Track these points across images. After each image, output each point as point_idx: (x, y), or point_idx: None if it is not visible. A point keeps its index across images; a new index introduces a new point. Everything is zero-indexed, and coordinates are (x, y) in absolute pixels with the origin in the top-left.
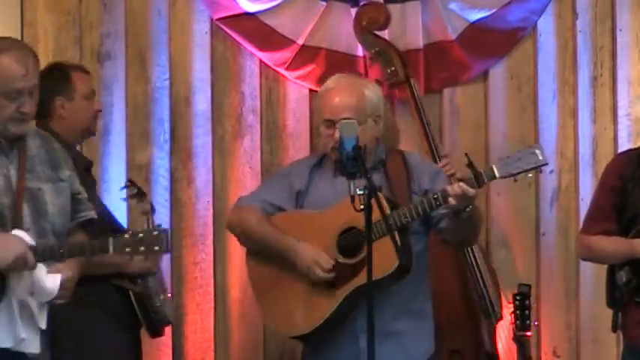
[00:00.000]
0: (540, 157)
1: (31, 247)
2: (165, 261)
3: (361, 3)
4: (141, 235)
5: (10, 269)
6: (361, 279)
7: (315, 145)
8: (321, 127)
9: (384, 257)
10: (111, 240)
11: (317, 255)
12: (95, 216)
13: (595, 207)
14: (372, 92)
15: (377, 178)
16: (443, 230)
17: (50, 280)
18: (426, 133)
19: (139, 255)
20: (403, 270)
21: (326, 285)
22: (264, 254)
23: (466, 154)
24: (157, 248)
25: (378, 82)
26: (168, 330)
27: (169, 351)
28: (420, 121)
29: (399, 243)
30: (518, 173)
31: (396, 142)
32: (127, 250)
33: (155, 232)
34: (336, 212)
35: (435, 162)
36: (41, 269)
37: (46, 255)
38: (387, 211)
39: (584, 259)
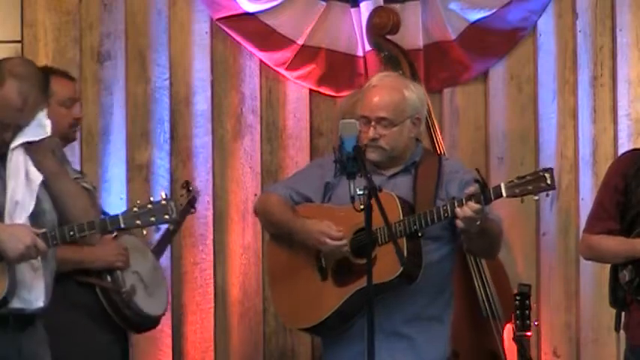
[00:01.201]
0: (549, 182)
1: (38, 235)
2: (166, 261)
3: (373, 7)
4: (149, 206)
5: (23, 259)
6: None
7: (315, 145)
8: (360, 123)
9: (390, 262)
10: (120, 215)
11: (323, 226)
12: (90, 187)
13: (598, 206)
14: (414, 93)
15: (405, 180)
16: (464, 240)
17: None
18: (432, 136)
19: (150, 225)
20: (407, 277)
21: (336, 281)
22: (283, 241)
23: (477, 170)
24: (167, 217)
25: None
26: (168, 330)
27: (169, 351)
28: (426, 125)
29: (403, 250)
30: (524, 194)
31: None
32: (138, 222)
33: (163, 202)
34: (353, 211)
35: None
36: None
37: (56, 238)
38: (400, 214)
39: (588, 259)
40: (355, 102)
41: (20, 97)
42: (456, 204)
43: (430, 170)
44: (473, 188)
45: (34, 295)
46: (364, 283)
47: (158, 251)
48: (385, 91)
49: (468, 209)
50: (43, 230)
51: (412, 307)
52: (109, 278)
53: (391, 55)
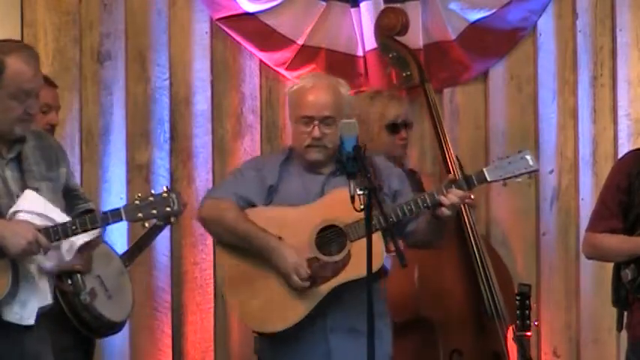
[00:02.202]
0: (531, 163)
1: (40, 230)
2: (166, 261)
3: (381, 8)
4: (151, 198)
5: (25, 254)
6: (343, 277)
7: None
8: (295, 124)
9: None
10: (122, 208)
11: (298, 262)
12: (93, 207)
13: (601, 205)
14: (346, 90)
15: (344, 178)
16: (413, 232)
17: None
18: (439, 136)
19: (152, 218)
20: (385, 270)
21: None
22: (238, 248)
23: (456, 157)
24: (169, 209)
25: (395, 85)
26: (168, 330)
27: (169, 351)
28: (433, 125)
29: (382, 245)
30: (508, 178)
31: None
32: (140, 215)
33: (165, 194)
34: (313, 210)
35: (447, 164)
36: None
37: (59, 233)
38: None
39: (590, 258)
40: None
41: (29, 65)
42: (436, 194)
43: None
44: (449, 178)
45: (28, 311)
46: (341, 280)
47: (135, 250)
48: (324, 90)
49: (453, 196)
50: (45, 225)
51: (360, 300)
52: (69, 281)
53: (399, 56)
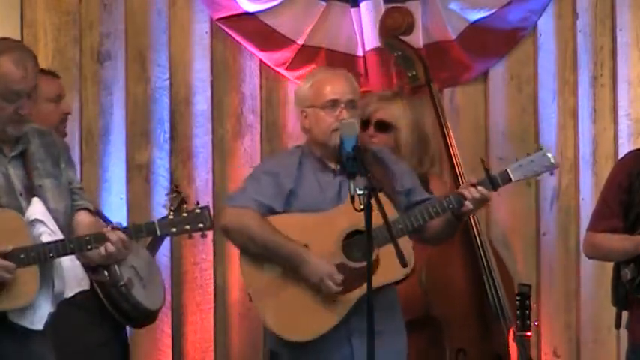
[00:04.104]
0: (552, 161)
1: (14, 250)
2: (166, 261)
3: (385, 7)
4: (185, 214)
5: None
6: (375, 281)
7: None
8: (319, 112)
9: (395, 262)
10: (157, 222)
11: (329, 269)
12: (91, 206)
13: (602, 205)
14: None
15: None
16: (427, 229)
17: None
18: (444, 135)
19: (184, 233)
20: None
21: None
22: (260, 256)
23: (481, 159)
24: (201, 225)
25: (400, 85)
26: (168, 330)
27: (169, 351)
28: (439, 125)
29: (410, 247)
30: (531, 176)
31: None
32: (173, 230)
33: (198, 211)
34: (337, 215)
35: (453, 165)
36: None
37: (91, 243)
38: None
39: (591, 257)
40: None
41: (19, 66)
42: (461, 193)
43: (375, 164)
44: (475, 177)
45: (38, 316)
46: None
47: (151, 249)
48: (343, 77)
49: (477, 192)
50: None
51: (385, 301)
52: (105, 273)
53: (405, 55)
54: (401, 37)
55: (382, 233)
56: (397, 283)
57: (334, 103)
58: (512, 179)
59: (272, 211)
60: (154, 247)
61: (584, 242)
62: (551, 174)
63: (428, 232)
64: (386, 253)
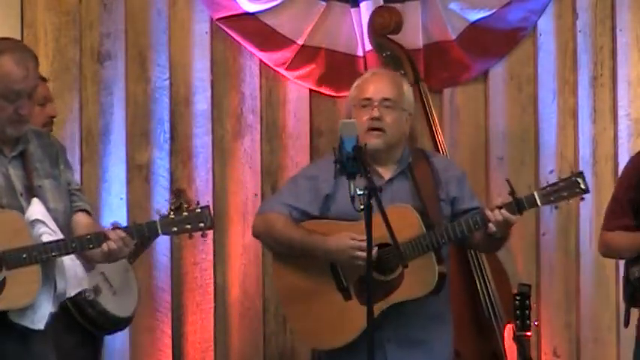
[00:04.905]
0: (583, 187)
1: (77, 237)
2: (166, 261)
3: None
4: (185, 214)
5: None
6: (394, 298)
7: (315, 145)
8: (356, 112)
9: (421, 278)
10: (158, 221)
11: (349, 240)
12: (89, 207)
13: (614, 203)
14: (409, 90)
15: (404, 184)
16: (470, 241)
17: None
18: (434, 135)
19: (185, 233)
20: (438, 289)
21: (361, 301)
22: (290, 260)
23: (507, 180)
24: (202, 225)
25: None
26: (168, 330)
27: (169, 351)
28: (427, 124)
29: (436, 264)
30: (559, 201)
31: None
32: (174, 229)
33: (198, 210)
34: (362, 225)
35: None
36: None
37: (92, 242)
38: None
39: (605, 256)
40: None
41: (19, 66)
42: (485, 213)
43: (424, 171)
44: (501, 200)
45: (39, 316)
46: (394, 300)
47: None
48: (387, 77)
49: (500, 215)
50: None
51: (428, 310)
52: None
53: (393, 55)
54: (389, 37)
55: (409, 249)
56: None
57: (368, 102)
58: (539, 204)
59: (307, 215)
60: (139, 251)
61: (598, 241)
62: (582, 199)
63: (470, 244)
64: (412, 270)
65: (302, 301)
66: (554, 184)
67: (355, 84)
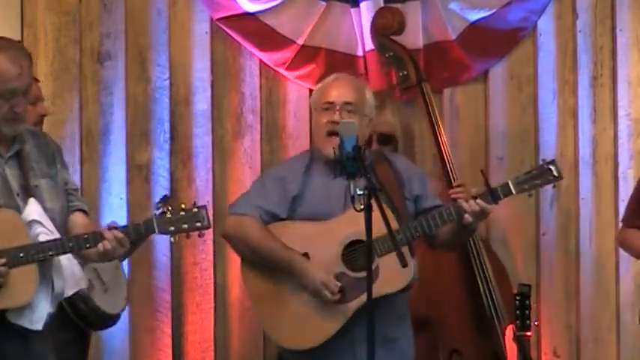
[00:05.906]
0: (555, 174)
1: (74, 237)
2: (166, 261)
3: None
4: (182, 213)
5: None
6: (376, 292)
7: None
8: (317, 116)
9: (395, 272)
10: (154, 220)
11: (325, 278)
12: (86, 207)
13: (633, 201)
14: (371, 95)
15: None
16: (435, 236)
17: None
18: (437, 135)
19: (182, 232)
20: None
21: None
22: (264, 265)
23: (481, 171)
24: (198, 224)
25: (392, 85)
26: (168, 330)
27: (169, 351)
28: (430, 125)
29: (409, 258)
30: (533, 189)
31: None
32: (171, 228)
33: (195, 210)
34: (339, 224)
35: (444, 165)
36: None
37: (89, 241)
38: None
39: (621, 248)
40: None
41: (14, 64)
42: (460, 204)
43: (386, 172)
44: (475, 190)
45: (37, 316)
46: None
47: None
48: (350, 82)
49: (476, 205)
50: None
51: (398, 308)
52: None
53: (396, 55)
54: (392, 37)
55: (381, 244)
56: (401, 292)
57: (329, 106)
58: (514, 192)
59: (275, 217)
60: (131, 249)
61: (617, 235)
62: (554, 187)
63: (437, 240)
64: (386, 264)
65: (275, 303)
66: (527, 172)
67: (317, 87)
